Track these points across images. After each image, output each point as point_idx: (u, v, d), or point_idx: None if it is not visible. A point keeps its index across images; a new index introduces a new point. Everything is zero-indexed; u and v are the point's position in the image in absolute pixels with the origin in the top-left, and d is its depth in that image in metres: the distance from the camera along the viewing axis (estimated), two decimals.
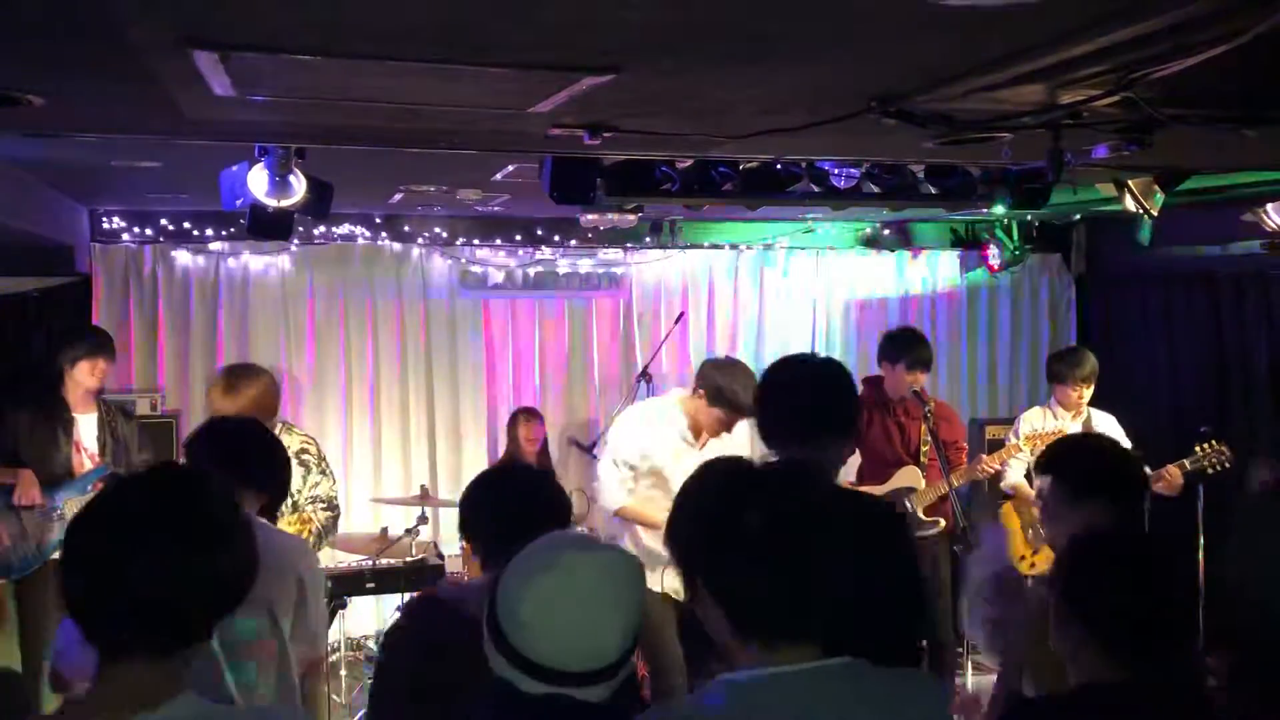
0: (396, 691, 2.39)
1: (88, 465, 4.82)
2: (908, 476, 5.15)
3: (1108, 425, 5.45)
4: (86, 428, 4.88)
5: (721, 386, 4.15)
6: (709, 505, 1.76)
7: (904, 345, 5.22)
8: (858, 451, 5.27)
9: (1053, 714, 2.02)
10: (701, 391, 4.23)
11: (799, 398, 2.63)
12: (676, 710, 1.73)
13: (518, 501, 2.45)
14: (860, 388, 5.52)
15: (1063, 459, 2.75)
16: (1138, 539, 2.19)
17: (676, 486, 4.65)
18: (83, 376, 4.81)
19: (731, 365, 4.36)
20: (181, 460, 2.85)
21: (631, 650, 1.68)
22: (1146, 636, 2.00)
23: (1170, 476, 5.21)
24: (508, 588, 1.66)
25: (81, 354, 4.82)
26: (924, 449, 5.14)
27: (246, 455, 2.86)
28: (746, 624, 1.67)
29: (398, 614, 5.96)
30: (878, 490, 5.11)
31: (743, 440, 4.27)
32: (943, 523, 5.06)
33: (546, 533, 1.82)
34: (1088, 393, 5.35)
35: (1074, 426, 5.37)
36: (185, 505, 1.58)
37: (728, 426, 4.24)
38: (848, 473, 5.22)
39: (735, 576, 1.66)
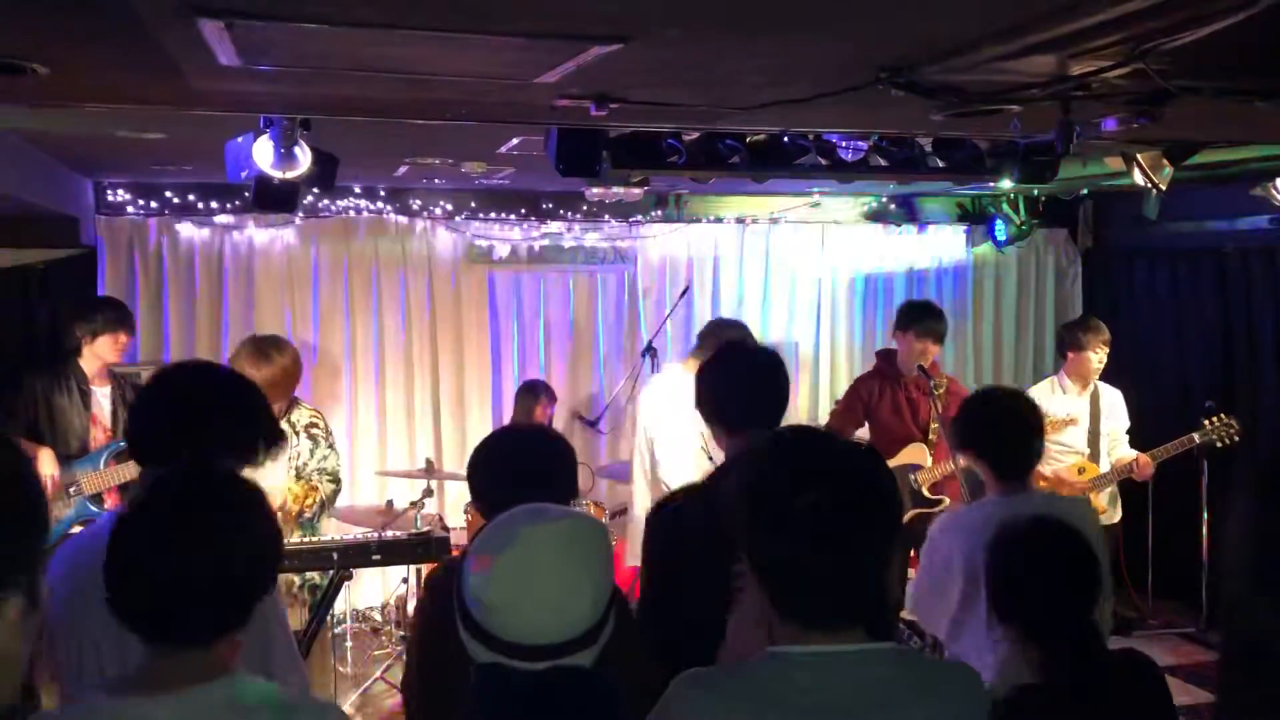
0: (419, 660, 2.42)
1: (101, 439, 4.83)
2: (913, 453, 5.15)
3: (1114, 401, 5.45)
4: (103, 401, 4.89)
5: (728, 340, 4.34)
6: (768, 478, 1.70)
7: (914, 313, 5.20)
8: (866, 426, 5.26)
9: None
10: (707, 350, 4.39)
11: (727, 387, 2.79)
12: (718, 671, 1.72)
13: (513, 462, 2.45)
14: (874, 360, 5.51)
15: None
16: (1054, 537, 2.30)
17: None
18: (105, 350, 4.83)
19: (732, 322, 4.80)
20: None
21: (608, 609, 1.65)
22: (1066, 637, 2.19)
23: (1140, 465, 5.23)
24: (470, 573, 1.62)
25: (103, 327, 4.83)
26: (932, 426, 5.13)
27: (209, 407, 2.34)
28: (787, 606, 1.66)
29: (403, 584, 6.03)
30: None
31: None
32: (947, 500, 5.06)
33: (539, 496, 1.80)
34: (1105, 357, 5.34)
35: (1082, 402, 5.36)
36: (213, 509, 1.68)
37: None
38: None
39: (780, 558, 1.63)
